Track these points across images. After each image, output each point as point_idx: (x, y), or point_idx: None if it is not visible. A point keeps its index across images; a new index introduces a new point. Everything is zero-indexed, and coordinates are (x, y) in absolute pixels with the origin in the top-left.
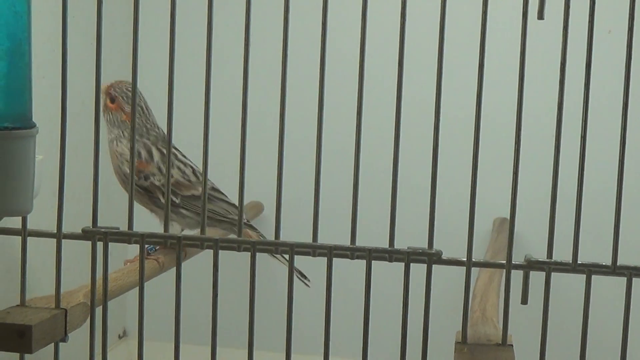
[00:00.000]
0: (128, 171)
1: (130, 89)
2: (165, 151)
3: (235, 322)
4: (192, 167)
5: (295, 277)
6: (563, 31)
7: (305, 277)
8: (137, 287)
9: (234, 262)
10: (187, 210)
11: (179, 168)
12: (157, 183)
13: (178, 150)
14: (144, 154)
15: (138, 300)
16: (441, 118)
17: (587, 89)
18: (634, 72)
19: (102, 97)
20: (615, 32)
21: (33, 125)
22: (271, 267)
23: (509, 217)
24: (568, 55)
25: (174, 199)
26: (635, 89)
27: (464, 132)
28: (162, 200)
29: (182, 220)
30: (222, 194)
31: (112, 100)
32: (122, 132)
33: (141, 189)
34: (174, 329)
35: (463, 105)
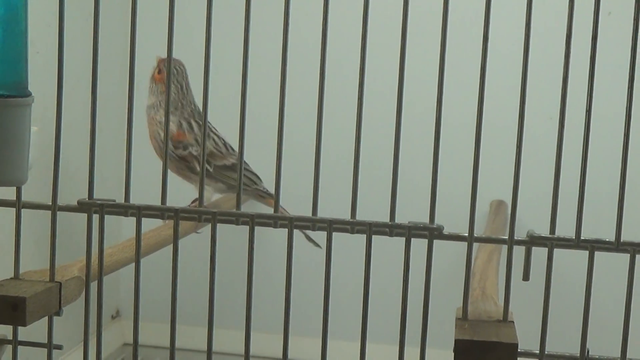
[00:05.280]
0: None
1: (179, 67)
2: (201, 124)
3: (231, 303)
4: (223, 140)
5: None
6: (569, 3)
7: (315, 242)
8: (130, 265)
9: (230, 242)
10: (218, 178)
11: (213, 140)
12: (194, 153)
13: (211, 125)
14: (185, 125)
15: (134, 275)
16: (444, 95)
17: (592, 63)
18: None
19: (154, 67)
20: (615, 14)
21: (29, 94)
22: (268, 245)
23: (505, 199)
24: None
25: (208, 167)
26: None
27: (466, 108)
28: (198, 169)
29: (215, 185)
30: (247, 164)
31: (159, 72)
32: (160, 103)
33: (178, 158)
34: (170, 308)
35: (466, 83)
